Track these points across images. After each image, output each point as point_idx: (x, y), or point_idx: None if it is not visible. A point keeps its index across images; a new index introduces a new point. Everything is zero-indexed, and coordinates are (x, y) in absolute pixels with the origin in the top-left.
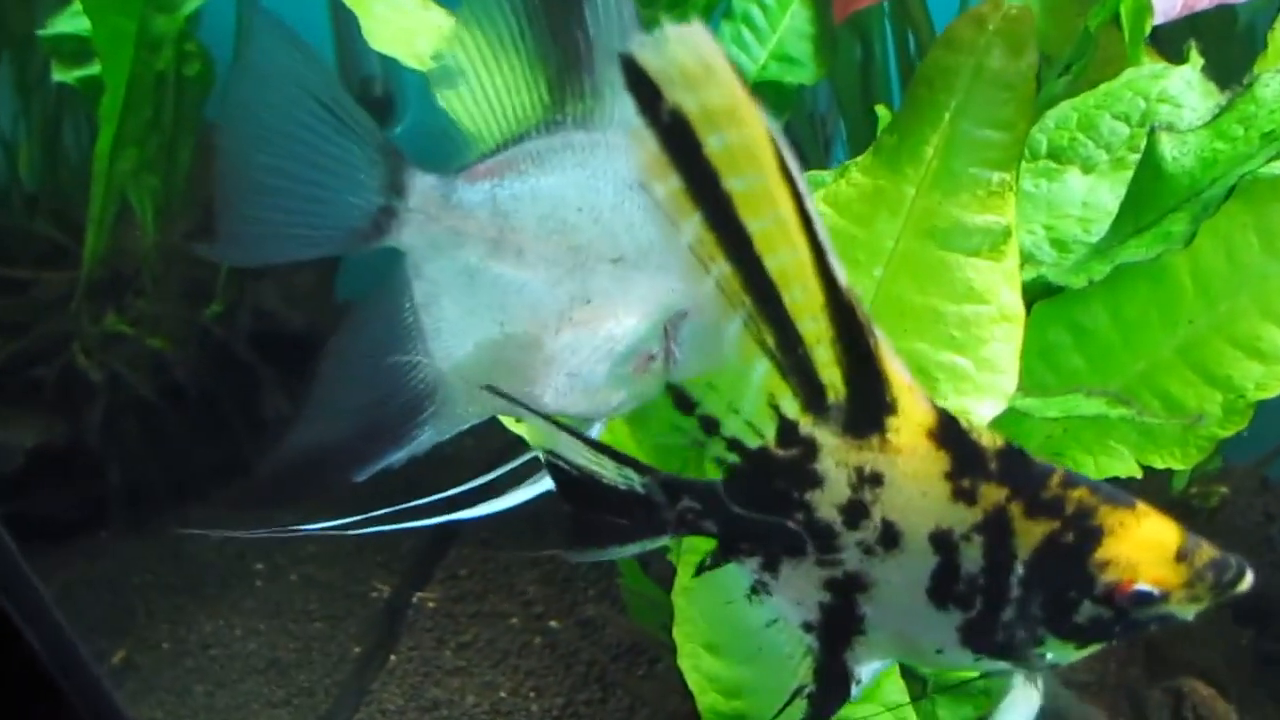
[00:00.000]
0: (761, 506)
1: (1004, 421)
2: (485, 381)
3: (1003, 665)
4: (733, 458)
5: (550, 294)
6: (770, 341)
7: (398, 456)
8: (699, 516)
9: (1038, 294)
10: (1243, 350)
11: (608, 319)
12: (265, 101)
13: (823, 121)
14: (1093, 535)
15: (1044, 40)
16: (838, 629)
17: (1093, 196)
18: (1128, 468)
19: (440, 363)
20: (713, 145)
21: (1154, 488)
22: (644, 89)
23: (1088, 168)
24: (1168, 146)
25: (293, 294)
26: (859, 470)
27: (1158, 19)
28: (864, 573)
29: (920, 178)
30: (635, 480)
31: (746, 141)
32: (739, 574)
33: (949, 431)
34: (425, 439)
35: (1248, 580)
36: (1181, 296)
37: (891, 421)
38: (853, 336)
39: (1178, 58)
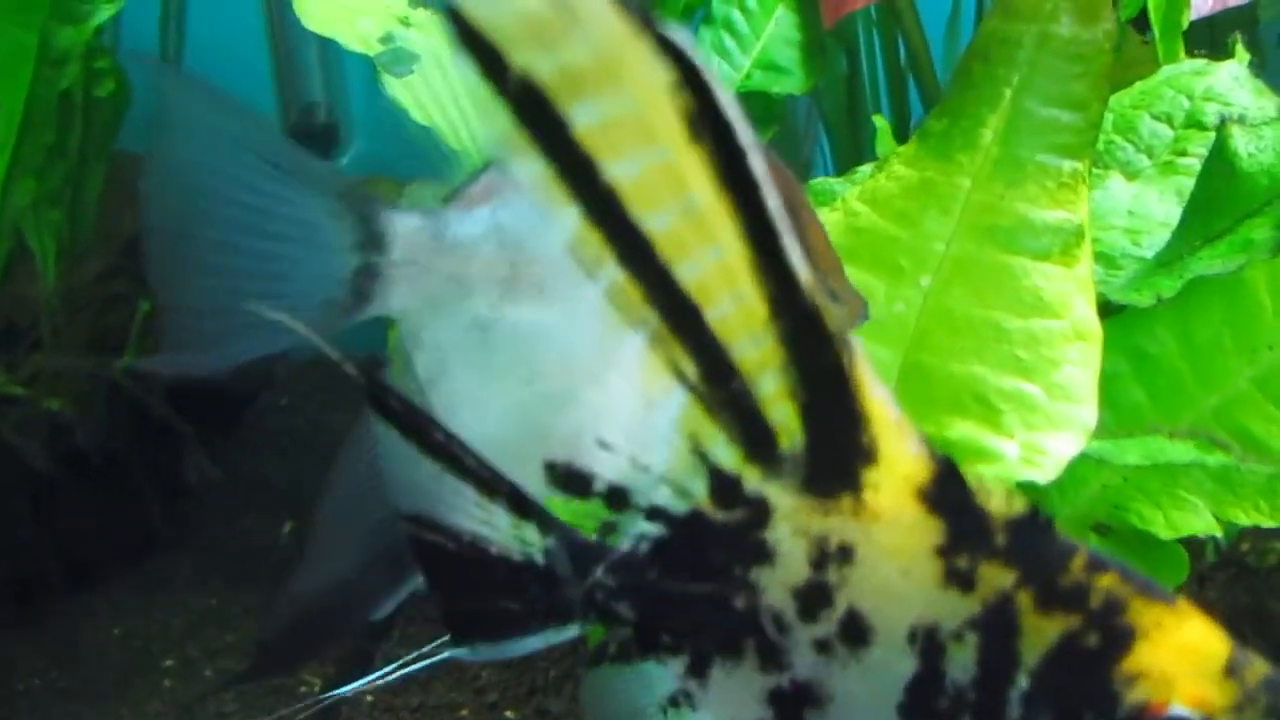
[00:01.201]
0: (693, 587)
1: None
2: (517, 460)
3: None
4: (656, 530)
5: (587, 333)
6: (690, 372)
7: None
8: (611, 597)
9: None
10: None
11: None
12: (193, 170)
13: (802, 138)
14: (1121, 638)
15: None
16: None
17: (1139, 205)
18: (1205, 524)
19: None
20: (582, 120)
21: (1199, 543)
22: (480, 51)
23: (1130, 174)
24: (1242, 142)
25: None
26: (822, 541)
27: (1193, 14)
28: (819, 682)
29: (977, 167)
30: (535, 546)
31: (634, 108)
32: (656, 676)
33: (947, 489)
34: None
35: None
36: (1260, 317)
37: (869, 475)
38: (815, 358)
39: (1209, 57)
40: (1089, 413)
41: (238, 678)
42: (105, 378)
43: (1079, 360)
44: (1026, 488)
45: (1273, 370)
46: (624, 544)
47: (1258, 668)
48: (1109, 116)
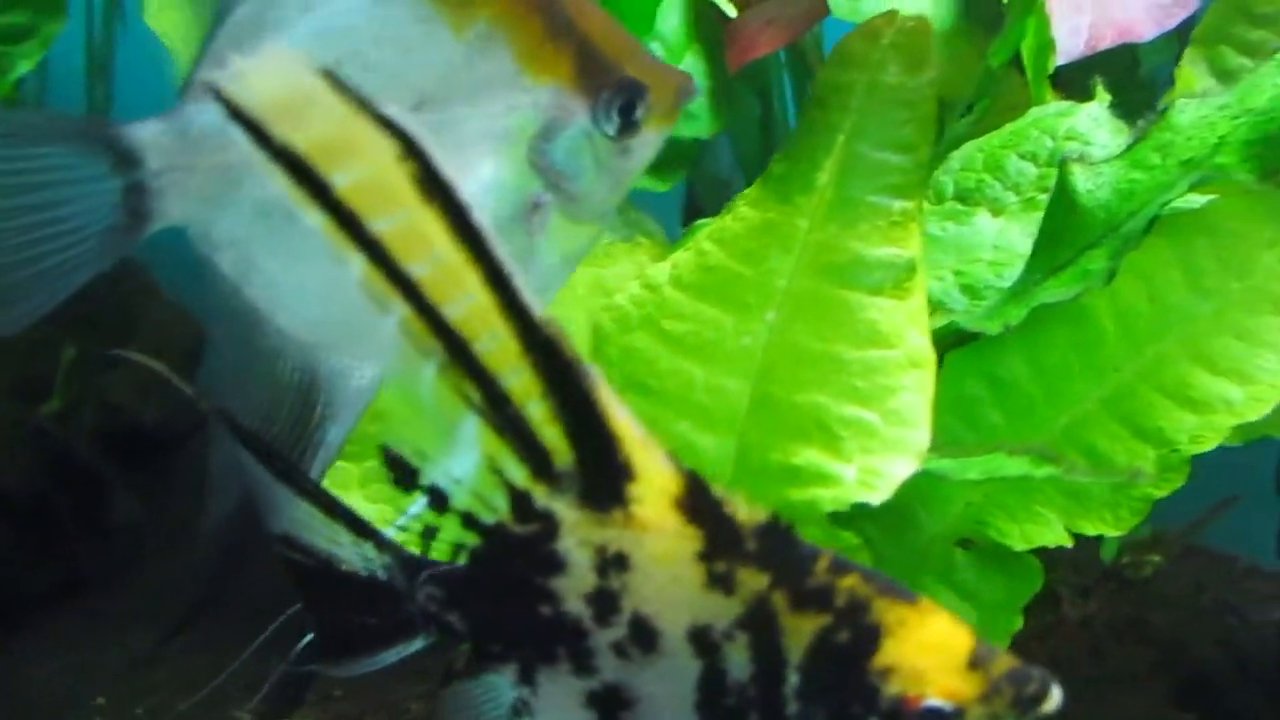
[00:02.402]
0: (506, 597)
1: (919, 486)
2: (359, 336)
3: None
4: (471, 539)
5: None
6: (475, 398)
7: (315, 469)
8: (443, 609)
9: (950, 343)
10: (1173, 399)
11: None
12: None
13: (725, 184)
14: (870, 635)
15: (944, 84)
16: None
17: (1003, 239)
18: (1057, 536)
19: (298, 336)
20: (340, 183)
21: (1084, 559)
22: (248, 125)
23: (997, 210)
24: (1081, 179)
25: (146, 385)
26: (602, 551)
27: (1061, 59)
28: (625, 684)
29: (814, 208)
30: (376, 563)
31: (375, 174)
32: (498, 687)
33: (699, 501)
34: (333, 438)
35: (1054, 699)
36: (1104, 342)
37: (631, 489)
38: (564, 386)
39: (1082, 99)
40: (923, 436)
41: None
42: (29, 424)
43: (913, 387)
44: (893, 506)
45: (1118, 391)
46: (447, 554)
47: (1002, 661)
48: (979, 156)
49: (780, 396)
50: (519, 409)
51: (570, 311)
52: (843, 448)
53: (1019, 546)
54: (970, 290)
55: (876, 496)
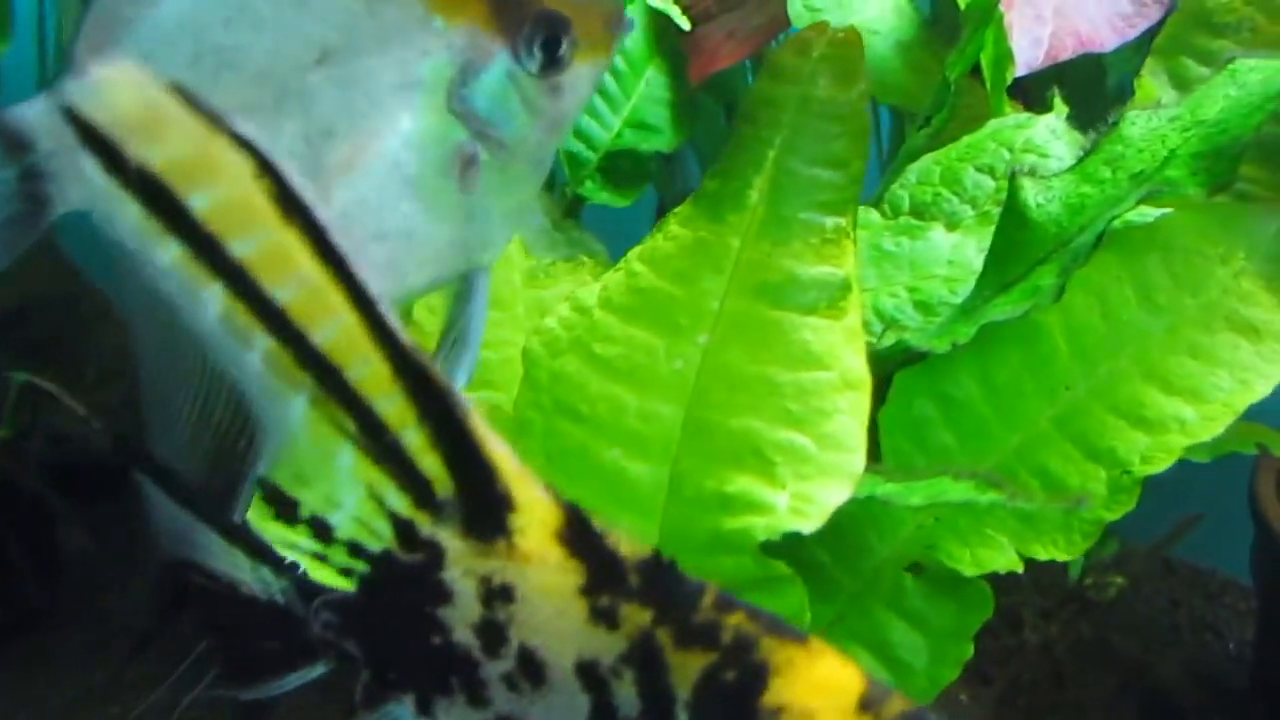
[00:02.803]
0: (396, 625)
1: (869, 508)
2: None
3: None
4: (360, 567)
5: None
6: (350, 427)
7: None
8: (339, 635)
9: (900, 361)
10: (1126, 419)
11: (371, 137)
12: None
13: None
14: (758, 674)
15: (906, 96)
16: None
17: (958, 254)
18: (1008, 560)
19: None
20: (198, 205)
21: (1048, 579)
22: (100, 147)
23: (952, 224)
24: (1031, 193)
25: (98, 412)
26: (487, 582)
27: (1020, 70)
28: (519, 717)
29: (745, 226)
30: (275, 587)
31: (234, 194)
32: (400, 718)
33: (579, 534)
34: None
35: None
36: (1056, 360)
37: (513, 520)
38: (437, 414)
39: (1046, 110)
40: (857, 461)
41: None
42: None
43: (848, 410)
44: (842, 530)
45: (1070, 410)
46: (338, 581)
47: (895, 704)
48: (936, 169)
49: (714, 421)
50: (395, 437)
51: (509, 333)
52: (776, 474)
53: (970, 571)
54: (924, 307)
55: (809, 525)
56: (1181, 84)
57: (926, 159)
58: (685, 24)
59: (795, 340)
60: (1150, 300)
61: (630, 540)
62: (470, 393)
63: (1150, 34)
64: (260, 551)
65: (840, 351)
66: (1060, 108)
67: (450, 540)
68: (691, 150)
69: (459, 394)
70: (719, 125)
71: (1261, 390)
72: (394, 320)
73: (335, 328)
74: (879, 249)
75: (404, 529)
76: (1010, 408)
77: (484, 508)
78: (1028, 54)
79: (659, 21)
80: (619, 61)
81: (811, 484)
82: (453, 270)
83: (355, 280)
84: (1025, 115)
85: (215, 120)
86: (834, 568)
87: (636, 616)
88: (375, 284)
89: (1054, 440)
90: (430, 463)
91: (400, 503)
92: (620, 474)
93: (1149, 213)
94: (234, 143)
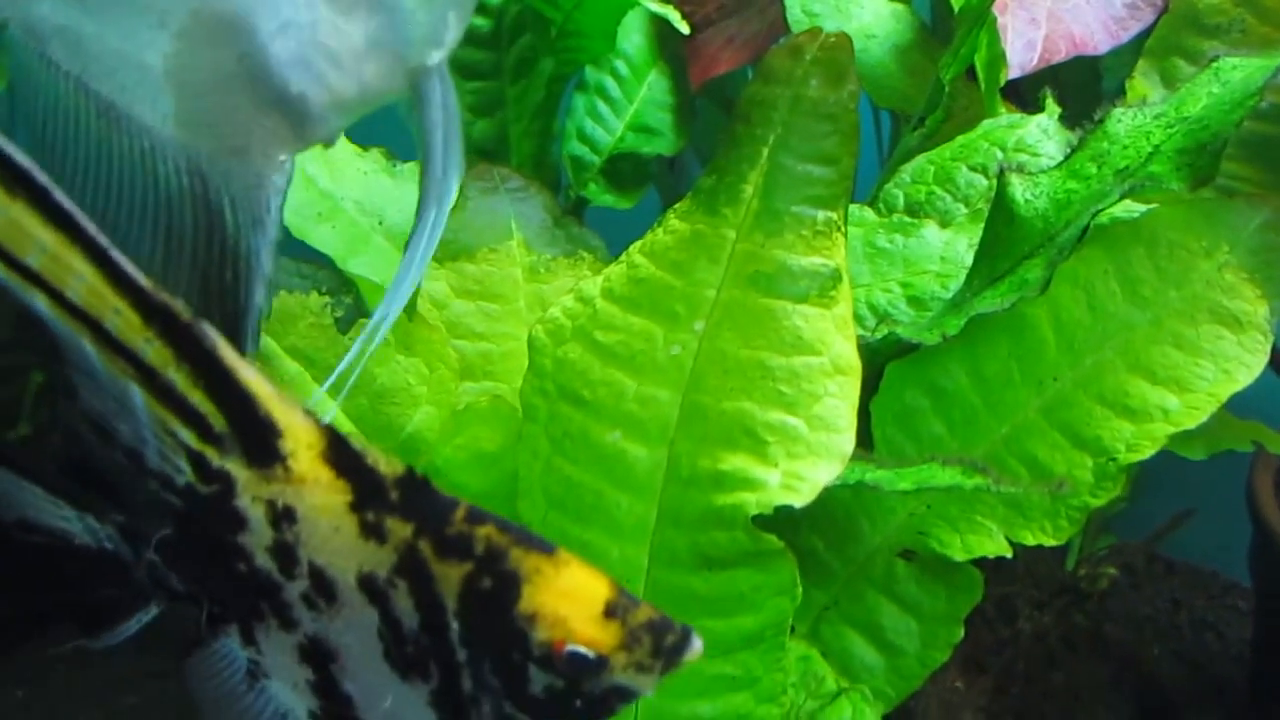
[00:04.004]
0: (208, 556)
1: (861, 499)
2: (223, 116)
3: None
4: (172, 499)
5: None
6: (130, 371)
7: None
8: (164, 573)
9: (892, 353)
10: (1111, 408)
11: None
12: None
13: None
14: (511, 582)
15: (903, 99)
16: (337, 717)
17: (950, 251)
18: (997, 546)
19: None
20: None
21: (1044, 571)
22: None
23: (945, 221)
24: (1019, 189)
25: None
26: (273, 506)
27: (1014, 72)
28: (323, 636)
29: (740, 219)
30: (101, 534)
31: None
32: (232, 652)
33: (342, 454)
34: (261, 251)
35: (695, 648)
36: (1044, 351)
37: (282, 445)
38: (189, 351)
39: (1039, 111)
40: (847, 441)
41: None
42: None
43: (838, 393)
44: (837, 517)
45: (1058, 400)
46: (154, 518)
47: (641, 612)
48: (930, 168)
49: (709, 404)
50: (166, 378)
51: (511, 326)
52: (768, 453)
53: (960, 557)
54: (917, 302)
55: (799, 500)
56: (1173, 84)
57: (921, 158)
58: (685, 29)
59: (787, 327)
60: (1135, 293)
61: (387, 458)
62: (473, 383)
63: (1146, 35)
64: (83, 501)
65: (830, 338)
66: (1052, 108)
67: (238, 470)
68: (693, 153)
69: (206, 327)
70: (719, 128)
71: (1243, 379)
72: (134, 270)
73: (81, 286)
74: (873, 245)
75: (198, 462)
76: (999, 398)
77: (254, 436)
78: (1021, 56)
79: (661, 28)
80: (622, 67)
81: (802, 463)
82: (387, 76)
83: (89, 239)
84: (1018, 115)
85: None
86: (828, 554)
87: (400, 530)
88: (106, 240)
89: (1042, 429)
90: (198, 398)
91: (189, 438)
92: (620, 455)
93: (1135, 208)
94: None
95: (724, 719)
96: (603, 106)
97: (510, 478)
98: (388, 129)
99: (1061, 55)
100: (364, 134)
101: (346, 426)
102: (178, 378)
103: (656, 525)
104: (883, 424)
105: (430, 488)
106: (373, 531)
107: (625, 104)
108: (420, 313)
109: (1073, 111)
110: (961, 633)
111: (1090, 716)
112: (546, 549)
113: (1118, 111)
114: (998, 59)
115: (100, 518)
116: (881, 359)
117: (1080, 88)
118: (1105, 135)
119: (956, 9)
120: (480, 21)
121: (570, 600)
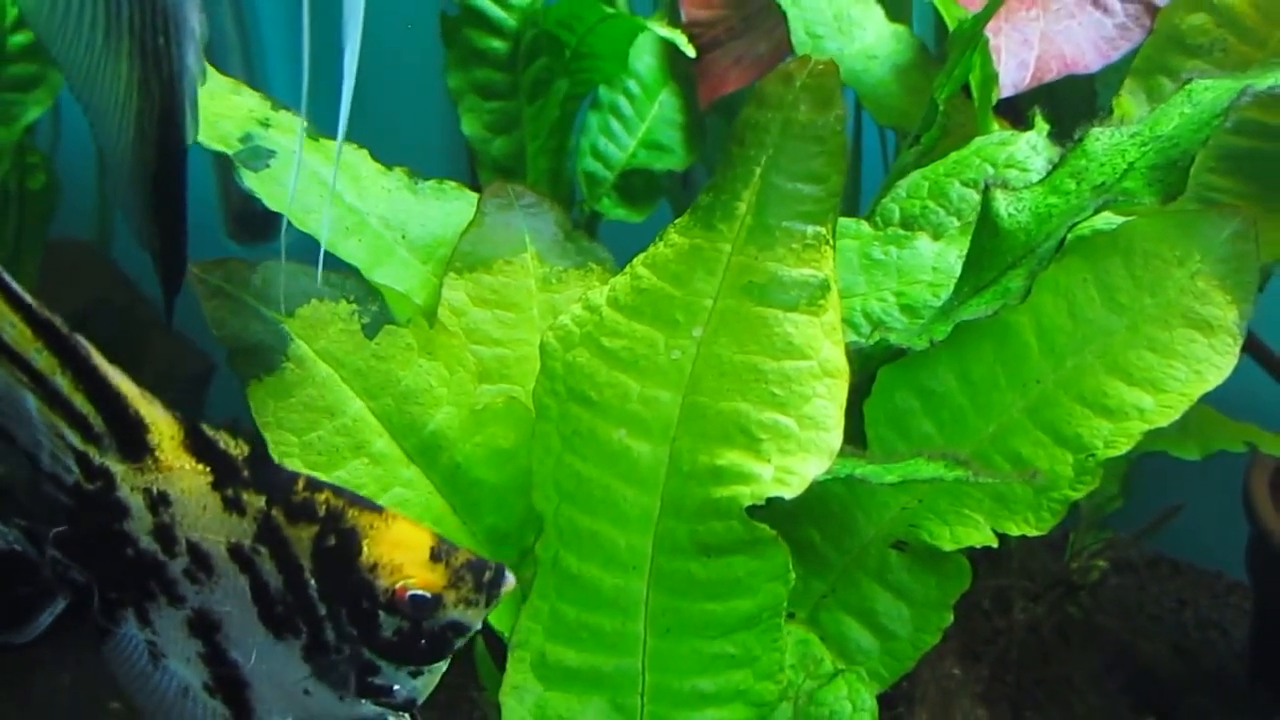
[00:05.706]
0: (99, 546)
1: (856, 495)
2: None
3: (371, 710)
4: (63, 497)
5: None
6: (24, 379)
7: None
8: (67, 568)
9: (884, 358)
10: (1090, 408)
11: None
12: None
13: None
14: (352, 538)
15: (903, 117)
16: (227, 683)
17: (941, 262)
18: (984, 536)
19: None
20: None
21: (1038, 565)
22: None
23: (938, 234)
24: (1003, 204)
25: None
26: (149, 492)
27: (1006, 91)
28: (207, 608)
29: (735, 234)
30: (9, 536)
31: None
32: (134, 636)
33: (198, 441)
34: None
35: (509, 582)
36: (1028, 355)
37: (150, 438)
38: (70, 358)
39: (1030, 128)
40: (835, 438)
41: None
42: None
43: (826, 394)
44: (833, 511)
45: (1040, 400)
46: (51, 516)
47: (461, 554)
48: (925, 184)
49: (707, 405)
50: (53, 384)
51: (525, 333)
52: (762, 449)
53: (949, 547)
54: (910, 310)
55: (789, 492)
56: (1158, 102)
57: (915, 174)
58: (691, 51)
59: (779, 333)
60: (1113, 300)
61: (235, 441)
62: (490, 385)
63: (1133, 57)
64: None
65: (819, 343)
66: (1042, 125)
67: (116, 465)
68: (704, 168)
69: (79, 338)
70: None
71: (1214, 380)
72: (20, 290)
73: None
74: (869, 257)
75: (83, 461)
76: (985, 399)
77: (127, 432)
78: (1014, 75)
79: (671, 49)
80: (634, 87)
81: (793, 458)
82: None
83: None
84: (1009, 133)
85: None
86: (826, 545)
87: (255, 501)
88: None
89: (1025, 428)
90: (79, 401)
91: (75, 438)
92: (625, 451)
93: (1114, 219)
94: None
95: (724, 694)
96: (615, 124)
97: (525, 472)
98: (410, 153)
99: (1053, 74)
100: (388, 155)
101: (374, 426)
102: (63, 383)
103: (659, 516)
104: (875, 424)
105: (273, 462)
106: (233, 505)
107: (637, 122)
108: (441, 320)
109: (1070, 128)
110: (951, 617)
111: (1082, 702)
112: (375, 508)
113: (1096, 130)
114: (990, 78)
115: (4, 521)
116: (874, 363)
117: (1074, 104)
118: (1084, 153)
119: (950, 30)
120: (498, 44)
121: (402, 549)
